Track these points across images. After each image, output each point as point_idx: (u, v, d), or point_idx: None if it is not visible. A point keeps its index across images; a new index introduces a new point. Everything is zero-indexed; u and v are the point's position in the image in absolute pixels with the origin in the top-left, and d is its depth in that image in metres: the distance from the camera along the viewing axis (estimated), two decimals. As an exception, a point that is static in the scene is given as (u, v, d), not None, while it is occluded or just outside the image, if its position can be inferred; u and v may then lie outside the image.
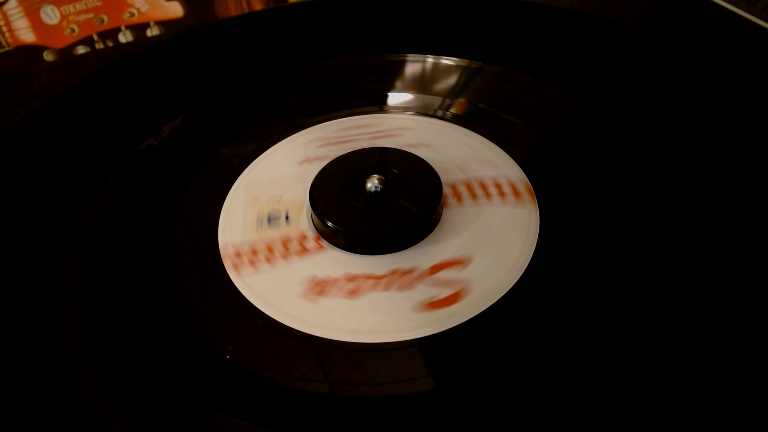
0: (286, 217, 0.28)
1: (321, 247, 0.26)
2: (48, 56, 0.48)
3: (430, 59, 0.37)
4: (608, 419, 0.20)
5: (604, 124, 0.32)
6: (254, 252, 0.26)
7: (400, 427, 0.21)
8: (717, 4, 0.39)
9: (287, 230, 0.27)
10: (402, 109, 0.35)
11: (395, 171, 0.28)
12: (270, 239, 0.27)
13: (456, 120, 0.33)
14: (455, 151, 0.31)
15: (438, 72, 0.37)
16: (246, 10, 0.51)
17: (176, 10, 0.50)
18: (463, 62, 0.37)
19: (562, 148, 0.31)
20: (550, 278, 0.25)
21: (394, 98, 0.36)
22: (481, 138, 0.31)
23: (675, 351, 0.22)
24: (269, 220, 0.28)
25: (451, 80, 0.36)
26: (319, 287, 0.25)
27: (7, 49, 0.47)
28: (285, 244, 0.27)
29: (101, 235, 0.28)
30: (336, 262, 0.26)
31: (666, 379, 0.21)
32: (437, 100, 0.35)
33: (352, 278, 0.25)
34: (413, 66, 0.37)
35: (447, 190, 0.28)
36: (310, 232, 0.27)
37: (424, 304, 0.24)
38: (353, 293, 0.24)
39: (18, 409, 0.21)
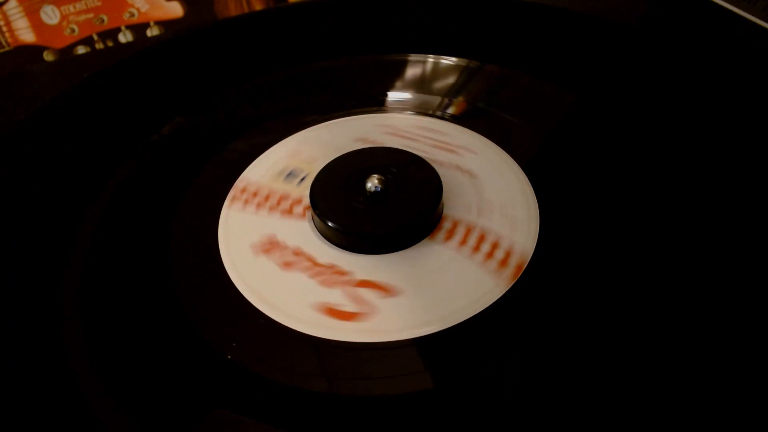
0: (302, 179, 0.29)
1: (303, 216, 0.28)
2: (48, 56, 0.48)
3: (430, 59, 0.37)
4: (608, 419, 0.20)
5: (604, 125, 0.32)
6: (255, 194, 0.29)
7: (400, 426, 0.21)
8: (717, 4, 0.39)
9: (292, 190, 0.29)
10: (402, 108, 0.35)
11: (396, 171, 0.28)
12: (274, 190, 0.29)
13: (456, 119, 0.33)
14: (494, 194, 0.29)
15: (438, 72, 0.37)
16: (246, 10, 0.51)
17: (176, 10, 0.50)
18: (462, 62, 0.37)
19: (562, 149, 0.31)
20: (550, 278, 0.25)
21: (394, 98, 0.36)
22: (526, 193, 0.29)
23: (675, 354, 0.22)
24: (288, 174, 0.29)
25: (451, 80, 0.36)
26: (268, 247, 0.26)
27: (7, 49, 0.47)
28: (280, 199, 0.28)
29: (101, 235, 0.28)
30: (301, 235, 0.27)
31: (666, 380, 0.21)
32: (437, 100, 0.35)
33: (297, 253, 0.26)
34: (413, 66, 0.37)
35: (448, 224, 0.27)
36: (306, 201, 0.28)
37: (325, 307, 0.24)
38: (286, 265, 0.26)
39: (18, 409, 0.21)
